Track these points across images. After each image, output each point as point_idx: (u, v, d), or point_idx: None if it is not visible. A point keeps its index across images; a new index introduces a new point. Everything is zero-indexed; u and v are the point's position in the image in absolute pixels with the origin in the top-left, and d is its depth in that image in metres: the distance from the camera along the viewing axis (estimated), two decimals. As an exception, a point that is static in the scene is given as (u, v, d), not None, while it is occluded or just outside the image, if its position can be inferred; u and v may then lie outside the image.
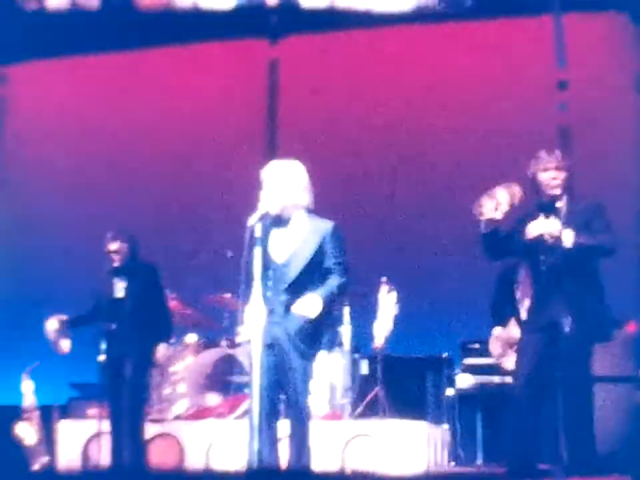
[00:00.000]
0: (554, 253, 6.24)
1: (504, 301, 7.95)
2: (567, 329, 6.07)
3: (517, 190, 6.31)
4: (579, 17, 10.67)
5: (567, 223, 6.21)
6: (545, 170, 6.31)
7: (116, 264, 8.15)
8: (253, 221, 6.05)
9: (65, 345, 8.17)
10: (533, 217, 6.37)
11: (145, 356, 8.15)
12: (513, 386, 6.62)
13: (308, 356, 6.27)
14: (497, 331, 8.07)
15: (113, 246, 8.11)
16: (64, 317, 8.20)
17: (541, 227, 6.25)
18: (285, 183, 6.30)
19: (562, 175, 6.33)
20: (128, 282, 8.13)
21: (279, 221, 6.29)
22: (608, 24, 10.57)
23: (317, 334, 6.31)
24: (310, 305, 6.14)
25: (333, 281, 6.25)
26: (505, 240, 6.45)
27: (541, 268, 6.38)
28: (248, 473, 5.94)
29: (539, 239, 6.28)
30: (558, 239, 6.17)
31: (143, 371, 8.16)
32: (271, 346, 6.17)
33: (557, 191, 6.31)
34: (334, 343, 6.62)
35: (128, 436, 7.97)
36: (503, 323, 8.02)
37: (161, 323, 8.33)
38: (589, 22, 10.63)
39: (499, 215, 6.29)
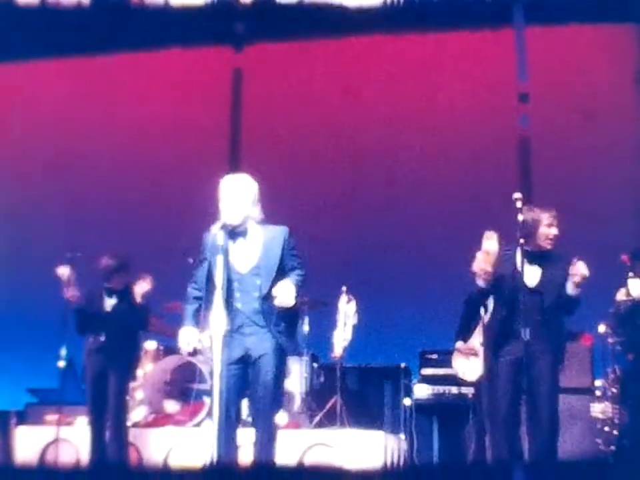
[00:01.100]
0: (534, 295, 6.90)
1: (470, 320, 8.21)
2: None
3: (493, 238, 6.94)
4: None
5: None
6: (548, 225, 7.00)
7: (109, 285, 8.34)
8: (216, 229, 6.16)
9: None
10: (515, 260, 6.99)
11: (129, 368, 8.37)
12: (497, 406, 7.04)
13: (279, 366, 6.36)
14: (459, 344, 8.32)
15: (114, 274, 8.31)
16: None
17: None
18: (243, 196, 6.41)
19: (557, 232, 7.03)
20: (118, 300, 8.33)
21: (236, 232, 6.36)
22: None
23: (291, 334, 6.48)
24: (287, 291, 6.24)
25: (297, 274, 6.42)
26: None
27: (518, 307, 6.83)
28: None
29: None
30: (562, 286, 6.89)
31: (126, 381, 8.35)
32: (240, 359, 6.27)
33: (551, 247, 7.02)
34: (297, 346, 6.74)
35: (113, 441, 8.10)
36: (465, 338, 8.25)
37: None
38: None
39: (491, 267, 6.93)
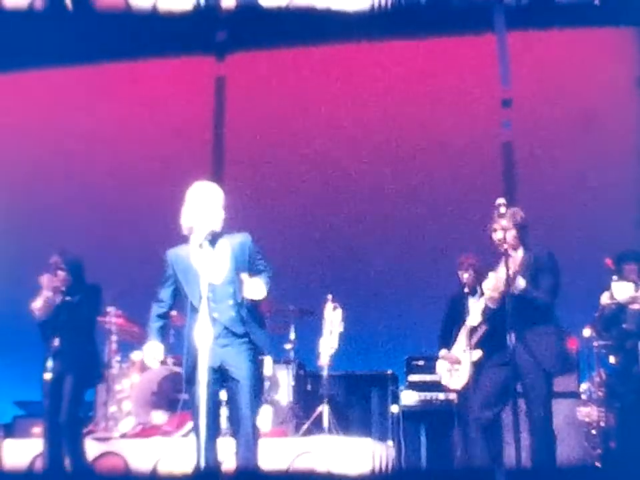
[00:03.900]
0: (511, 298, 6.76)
1: (452, 326, 8.23)
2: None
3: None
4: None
5: (522, 271, 6.84)
6: (494, 230, 6.92)
7: (59, 286, 8.23)
8: (200, 238, 6.17)
9: None
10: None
11: (85, 373, 8.24)
12: (470, 414, 7.07)
13: (256, 374, 6.39)
14: (443, 352, 8.34)
15: (54, 272, 8.21)
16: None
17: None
18: (218, 204, 6.45)
19: (511, 234, 6.91)
20: (71, 302, 8.20)
21: (207, 243, 6.36)
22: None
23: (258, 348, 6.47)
24: (257, 284, 6.33)
25: (265, 276, 6.48)
26: None
27: (498, 312, 6.87)
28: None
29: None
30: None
31: (81, 388, 8.24)
32: (219, 369, 6.29)
33: (505, 249, 6.86)
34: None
35: (68, 453, 8.04)
36: (449, 345, 8.27)
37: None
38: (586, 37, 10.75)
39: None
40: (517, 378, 6.81)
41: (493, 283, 6.84)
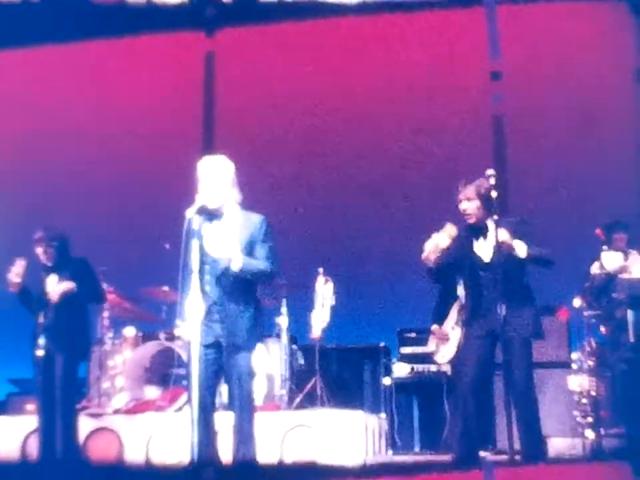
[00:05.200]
0: (490, 268, 6.85)
1: (445, 302, 8.27)
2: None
3: (450, 229, 6.97)
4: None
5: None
6: (459, 202, 7.00)
7: (45, 262, 8.23)
8: (190, 213, 6.12)
9: None
10: (466, 238, 7.04)
11: (75, 349, 8.22)
12: (459, 386, 7.08)
13: (250, 348, 6.38)
14: (434, 327, 8.39)
15: (40, 248, 8.19)
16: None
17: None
18: (220, 178, 6.41)
19: (473, 205, 6.94)
20: (58, 278, 8.17)
21: (214, 215, 6.35)
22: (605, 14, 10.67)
23: (254, 325, 6.44)
24: (231, 250, 6.23)
25: (263, 263, 6.41)
26: (445, 269, 7.12)
27: (479, 282, 6.96)
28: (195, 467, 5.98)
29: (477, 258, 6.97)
30: (511, 251, 6.76)
31: (72, 364, 8.21)
32: (212, 344, 6.29)
33: (472, 220, 6.98)
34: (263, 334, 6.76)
35: (60, 430, 8.02)
36: (441, 321, 8.31)
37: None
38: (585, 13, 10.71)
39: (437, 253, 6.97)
40: (504, 347, 6.80)
41: (434, 242, 6.91)
